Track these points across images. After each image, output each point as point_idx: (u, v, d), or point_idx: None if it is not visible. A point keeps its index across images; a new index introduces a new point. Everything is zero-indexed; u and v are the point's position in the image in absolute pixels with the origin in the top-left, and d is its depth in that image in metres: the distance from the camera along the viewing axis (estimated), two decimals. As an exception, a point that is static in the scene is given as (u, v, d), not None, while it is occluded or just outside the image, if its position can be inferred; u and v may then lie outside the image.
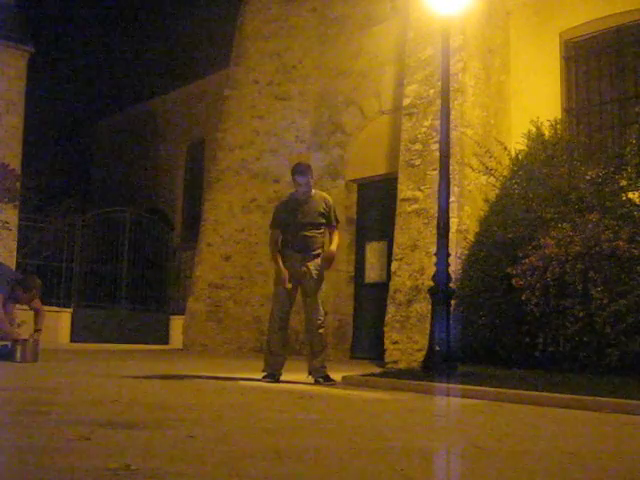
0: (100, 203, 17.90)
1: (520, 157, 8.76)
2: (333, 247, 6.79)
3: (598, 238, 6.83)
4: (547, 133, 8.79)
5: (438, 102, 7.87)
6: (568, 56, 9.74)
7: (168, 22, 20.60)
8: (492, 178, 8.85)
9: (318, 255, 6.77)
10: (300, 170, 6.80)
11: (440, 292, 6.76)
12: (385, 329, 9.14)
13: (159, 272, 16.81)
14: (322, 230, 6.81)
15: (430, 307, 7.03)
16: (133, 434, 3.21)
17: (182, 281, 16.50)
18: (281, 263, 6.72)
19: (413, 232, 9.31)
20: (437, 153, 7.61)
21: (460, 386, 5.98)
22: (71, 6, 22.67)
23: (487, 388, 5.80)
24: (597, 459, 3.13)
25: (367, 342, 11.34)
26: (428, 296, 7.25)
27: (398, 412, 4.85)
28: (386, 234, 10.77)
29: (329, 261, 6.80)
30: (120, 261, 16.22)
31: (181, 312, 14.44)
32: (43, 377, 6.28)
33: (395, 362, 8.80)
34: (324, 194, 7.07)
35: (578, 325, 6.74)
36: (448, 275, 6.83)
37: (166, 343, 15.89)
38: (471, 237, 8.61)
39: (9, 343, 8.08)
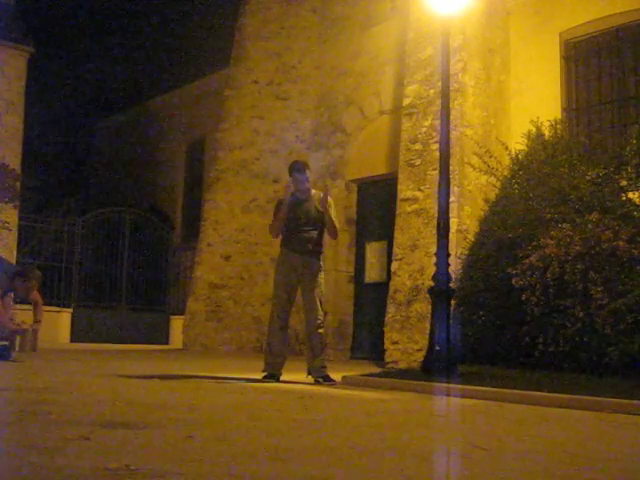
0: (100, 203, 17.88)
1: (520, 157, 8.76)
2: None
3: (598, 238, 6.83)
4: (547, 133, 8.79)
5: (438, 102, 7.87)
6: (568, 56, 9.73)
7: (168, 22, 20.61)
8: (492, 178, 8.86)
9: (318, 255, 6.76)
10: (298, 168, 6.81)
11: (440, 292, 6.76)
12: (385, 329, 9.14)
13: (159, 272, 16.81)
14: (321, 230, 6.80)
15: (430, 307, 7.03)
16: (133, 434, 3.21)
17: (182, 281, 16.50)
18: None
19: (413, 232, 9.31)
20: (437, 153, 7.60)
21: (460, 386, 5.98)
22: (71, 6, 22.68)
23: (487, 388, 5.80)
24: (597, 459, 3.13)
25: (367, 342, 11.35)
26: (428, 296, 7.25)
27: (398, 412, 4.85)
28: (386, 234, 10.77)
29: (332, 222, 6.73)
30: (120, 261, 16.22)
31: (181, 312, 14.44)
32: (43, 377, 6.28)
33: (395, 362, 8.80)
34: (322, 192, 7.06)
35: (578, 325, 6.74)
36: (448, 275, 6.83)
37: (166, 343, 15.88)
38: (471, 237, 8.61)
39: (7, 340, 8.08)
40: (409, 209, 9.46)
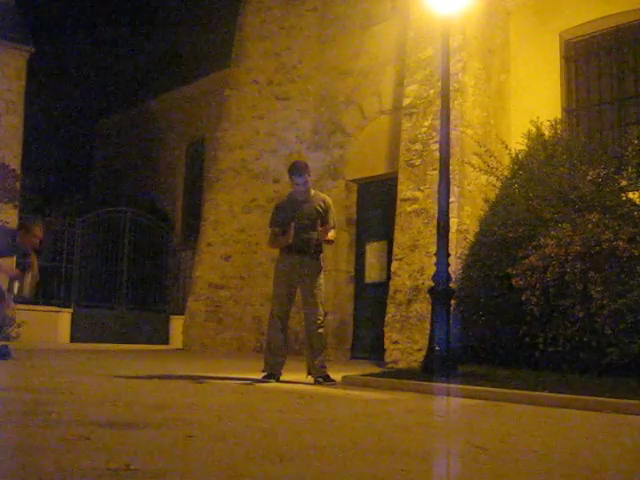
0: (100, 203, 17.87)
1: (520, 157, 8.76)
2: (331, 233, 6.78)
3: (598, 238, 6.83)
4: (547, 133, 8.79)
5: (438, 102, 7.87)
6: (568, 56, 9.73)
7: (168, 22, 20.60)
8: (492, 178, 8.86)
9: (318, 256, 6.77)
10: (297, 169, 6.74)
11: (440, 292, 6.76)
12: (385, 329, 9.14)
13: (159, 272, 16.81)
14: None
15: (430, 307, 7.03)
16: (133, 434, 3.21)
17: (182, 281, 16.50)
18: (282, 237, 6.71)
19: (413, 232, 9.31)
20: (437, 153, 7.60)
21: (460, 386, 5.99)
22: (71, 6, 22.67)
23: (487, 388, 5.81)
24: (597, 459, 3.13)
25: (367, 342, 11.34)
26: (428, 296, 7.25)
27: (398, 412, 4.85)
28: (386, 234, 10.77)
29: (326, 232, 6.69)
30: (120, 261, 16.22)
31: (181, 312, 14.44)
32: (43, 377, 6.28)
33: (395, 362, 8.80)
34: (323, 195, 7.06)
35: (578, 325, 6.74)
36: (448, 275, 6.83)
37: (166, 343, 15.88)
38: (471, 237, 8.60)
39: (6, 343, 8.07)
40: (409, 209, 9.45)
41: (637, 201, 7.54)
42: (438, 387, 6.00)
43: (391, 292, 9.27)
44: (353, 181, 12.21)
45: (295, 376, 6.78)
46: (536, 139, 8.79)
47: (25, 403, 4.20)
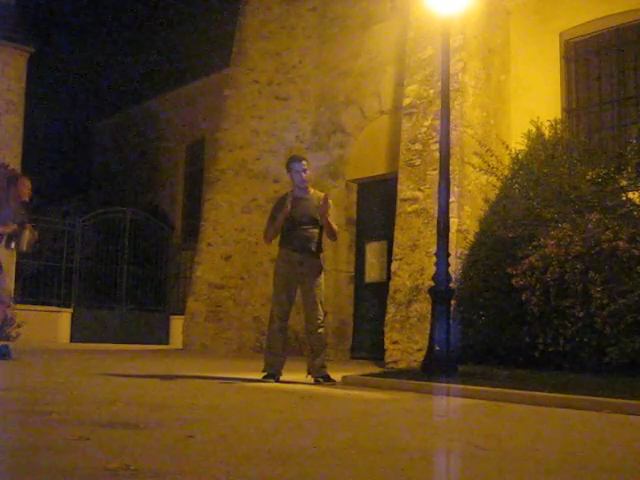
0: (100, 203, 17.88)
1: (520, 157, 8.76)
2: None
3: (598, 238, 6.83)
4: (547, 133, 8.79)
5: (438, 102, 7.87)
6: (568, 56, 9.73)
7: (168, 22, 20.60)
8: (492, 178, 8.86)
9: (318, 255, 6.76)
10: (294, 157, 7.02)
11: (440, 292, 6.76)
12: (385, 329, 9.14)
13: (159, 272, 16.81)
14: (321, 228, 6.80)
15: (430, 307, 7.03)
16: (133, 434, 3.21)
17: (182, 281, 16.50)
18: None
19: (413, 232, 9.31)
20: (437, 153, 7.60)
21: (460, 386, 5.98)
22: (71, 6, 22.68)
23: (487, 388, 5.80)
24: (597, 459, 3.13)
25: (367, 342, 11.34)
26: (428, 296, 7.25)
27: (398, 412, 4.85)
28: (386, 234, 10.77)
29: (331, 226, 6.73)
30: (120, 261, 16.22)
31: (181, 312, 14.43)
32: (43, 377, 6.28)
33: (395, 362, 8.80)
34: (322, 194, 7.07)
35: (578, 325, 6.74)
36: (448, 275, 6.83)
37: (166, 343, 15.88)
38: (471, 237, 8.61)
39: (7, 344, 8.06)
40: (409, 209, 9.45)
41: (637, 201, 7.54)
42: (438, 387, 6.00)
43: (391, 292, 9.27)
44: (353, 181, 12.21)
45: (295, 376, 6.78)
46: (536, 139, 8.80)
47: (25, 403, 4.20)
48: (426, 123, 9.56)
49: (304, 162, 6.86)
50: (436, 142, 8.46)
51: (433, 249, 7.23)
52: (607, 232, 6.83)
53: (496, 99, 9.89)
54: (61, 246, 15.43)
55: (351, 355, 11.57)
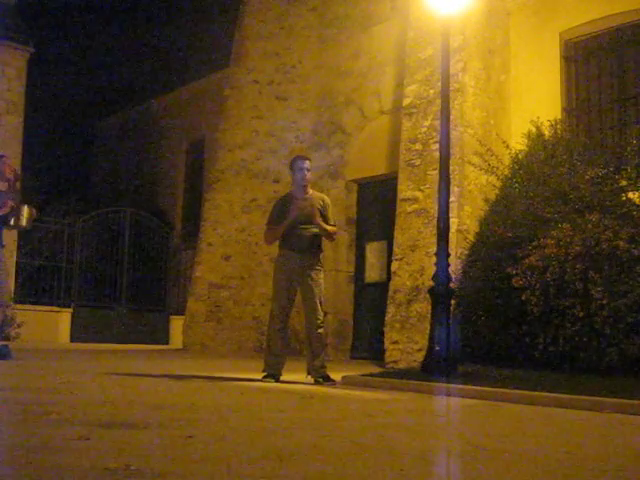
0: (100, 203, 17.88)
1: (520, 157, 8.76)
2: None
3: (598, 238, 6.83)
4: (547, 133, 8.78)
5: (438, 102, 7.87)
6: (568, 56, 9.73)
7: (168, 22, 20.60)
8: (492, 177, 8.86)
9: (317, 255, 6.77)
10: (300, 155, 7.14)
11: (440, 292, 6.76)
12: (385, 329, 9.14)
13: (159, 272, 16.81)
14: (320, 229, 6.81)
15: (430, 307, 7.03)
16: (133, 434, 3.21)
17: (182, 281, 16.50)
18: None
19: (413, 232, 9.31)
20: (437, 153, 7.60)
21: (460, 386, 5.99)
22: (71, 6, 22.66)
23: (487, 388, 5.80)
24: (597, 459, 3.13)
25: (367, 342, 11.34)
26: (428, 296, 7.25)
27: (398, 412, 4.85)
28: (386, 234, 10.77)
29: (326, 230, 6.77)
30: (120, 261, 16.22)
31: (181, 312, 14.43)
32: (43, 377, 6.28)
33: (395, 362, 8.80)
34: (322, 195, 7.13)
35: (578, 325, 6.74)
36: (448, 275, 6.83)
37: (166, 343, 15.89)
38: (471, 237, 8.60)
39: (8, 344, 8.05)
40: (409, 209, 9.45)
41: (637, 201, 7.53)
42: (438, 387, 6.00)
43: (391, 292, 9.27)
44: (353, 181, 12.21)
45: (295, 376, 6.78)
46: (536, 139, 8.79)
47: (25, 403, 4.20)
48: (426, 123, 9.56)
49: (308, 162, 6.93)
50: (436, 142, 8.46)
51: (433, 249, 7.23)
52: (607, 232, 6.83)
53: (496, 99, 9.89)
54: (61, 246, 15.43)
55: (351, 355, 11.57)
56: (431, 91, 9.54)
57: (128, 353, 11.46)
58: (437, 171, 7.38)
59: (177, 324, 14.84)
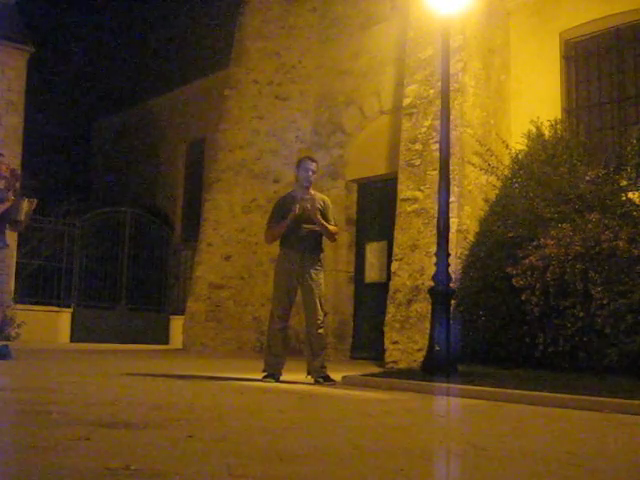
0: (100, 203, 17.88)
1: (520, 157, 8.76)
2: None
3: (598, 238, 6.83)
4: (547, 133, 8.78)
5: (438, 102, 7.87)
6: (568, 56, 9.73)
7: (168, 22, 20.59)
8: (492, 177, 8.86)
9: (317, 255, 6.77)
10: (310, 158, 7.21)
11: (440, 292, 6.76)
12: (385, 329, 9.14)
13: (159, 272, 16.81)
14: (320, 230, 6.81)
15: (430, 307, 7.03)
16: (133, 434, 3.21)
17: (182, 281, 16.50)
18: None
19: (413, 232, 9.31)
20: (437, 153, 7.61)
21: (460, 386, 5.98)
22: (71, 6, 22.66)
23: (487, 388, 5.80)
24: (597, 459, 3.13)
25: (367, 342, 11.34)
26: (428, 296, 7.25)
27: (398, 412, 4.85)
28: (386, 234, 10.77)
29: (327, 228, 6.77)
30: (120, 261, 16.22)
31: (181, 312, 14.43)
32: (43, 377, 6.28)
33: (395, 362, 8.80)
34: (323, 195, 7.15)
35: (578, 325, 6.74)
36: (448, 275, 6.83)
37: (166, 343, 15.88)
38: (471, 237, 8.61)
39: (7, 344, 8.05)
40: (409, 209, 9.45)
41: (637, 201, 7.54)
42: (438, 387, 6.00)
43: (391, 292, 9.27)
44: (353, 181, 12.21)
45: (295, 376, 6.78)
46: (536, 139, 8.79)
47: (25, 403, 4.20)
48: (426, 123, 9.56)
49: (315, 164, 6.99)
50: (436, 142, 8.46)
51: (433, 249, 7.23)
52: (607, 232, 6.83)
53: (496, 99, 9.89)
54: (61, 246, 15.43)
55: (351, 355, 11.57)
56: (431, 91, 9.55)
57: (128, 353, 11.46)
58: (437, 171, 7.38)
59: (177, 324, 14.83)
